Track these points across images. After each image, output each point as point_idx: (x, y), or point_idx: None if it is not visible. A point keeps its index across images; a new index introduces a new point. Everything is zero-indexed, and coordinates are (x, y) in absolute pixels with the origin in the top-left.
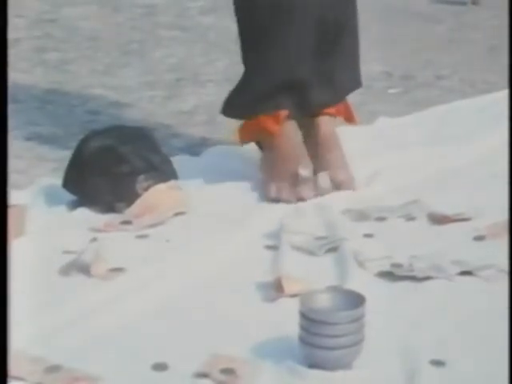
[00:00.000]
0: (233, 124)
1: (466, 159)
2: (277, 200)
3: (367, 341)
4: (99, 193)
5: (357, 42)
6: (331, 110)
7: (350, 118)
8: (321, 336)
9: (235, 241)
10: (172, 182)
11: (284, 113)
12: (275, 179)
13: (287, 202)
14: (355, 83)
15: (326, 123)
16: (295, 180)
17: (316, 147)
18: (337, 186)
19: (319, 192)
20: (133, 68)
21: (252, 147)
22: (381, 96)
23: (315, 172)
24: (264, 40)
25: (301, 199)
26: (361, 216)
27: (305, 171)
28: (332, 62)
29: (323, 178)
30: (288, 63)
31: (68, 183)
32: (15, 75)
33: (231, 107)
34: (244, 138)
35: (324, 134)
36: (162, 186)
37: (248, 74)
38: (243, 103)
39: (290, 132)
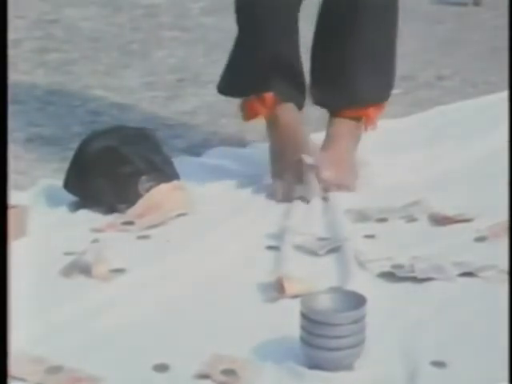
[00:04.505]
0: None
1: (467, 159)
2: (284, 201)
3: (368, 342)
4: (101, 194)
5: (387, 57)
6: (352, 112)
7: (367, 120)
8: (322, 337)
9: (237, 241)
10: (175, 182)
11: (269, 96)
12: (280, 175)
13: (293, 201)
14: (376, 96)
15: (338, 124)
16: (299, 172)
17: (326, 145)
18: (321, 183)
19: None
20: (134, 69)
21: (253, 150)
22: None
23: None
24: (253, 21)
25: (307, 194)
26: (362, 217)
27: (309, 158)
28: (350, 68)
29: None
30: (274, 43)
31: (69, 184)
32: (16, 76)
33: (225, 85)
34: (247, 116)
35: (332, 134)
36: (164, 186)
37: (236, 51)
38: (234, 82)
39: (285, 117)
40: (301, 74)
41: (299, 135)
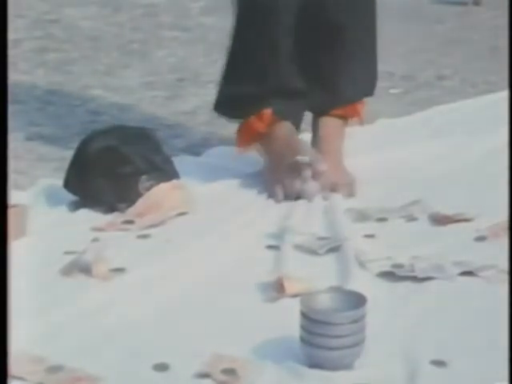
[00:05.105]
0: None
1: (467, 159)
2: (286, 200)
3: (368, 341)
4: (101, 193)
5: (369, 52)
6: (338, 111)
7: (355, 116)
8: (322, 336)
9: (236, 241)
10: (175, 181)
11: (268, 112)
12: (279, 178)
13: (295, 198)
14: (361, 92)
15: (326, 124)
16: (297, 171)
17: (317, 147)
18: (319, 180)
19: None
20: (134, 68)
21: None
22: (382, 96)
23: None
24: (246, 41)
25: (307, 191)
26: (362, 216)
27: (303, 158)
28: (333, 68)
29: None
30: (269, 66)
31: (69, 184)
32: (16, 76)
33: (222, 106)
34: (241, 145)
35: (322, 135)
36: (164, 186)
37: (232, 74)
38: (232, 104)
39: (281, 131)
40: (301, 94)
41: (295, 143)
